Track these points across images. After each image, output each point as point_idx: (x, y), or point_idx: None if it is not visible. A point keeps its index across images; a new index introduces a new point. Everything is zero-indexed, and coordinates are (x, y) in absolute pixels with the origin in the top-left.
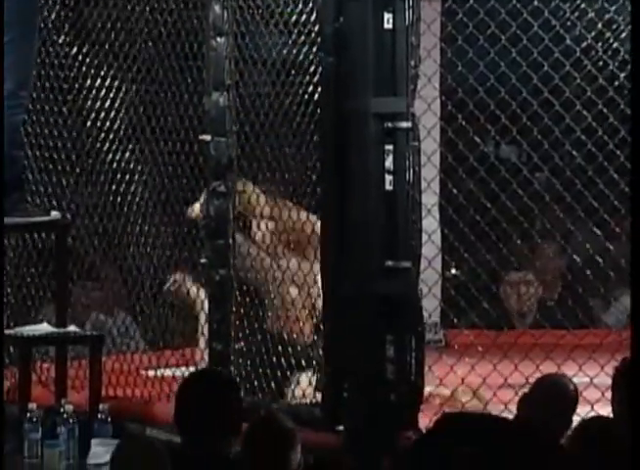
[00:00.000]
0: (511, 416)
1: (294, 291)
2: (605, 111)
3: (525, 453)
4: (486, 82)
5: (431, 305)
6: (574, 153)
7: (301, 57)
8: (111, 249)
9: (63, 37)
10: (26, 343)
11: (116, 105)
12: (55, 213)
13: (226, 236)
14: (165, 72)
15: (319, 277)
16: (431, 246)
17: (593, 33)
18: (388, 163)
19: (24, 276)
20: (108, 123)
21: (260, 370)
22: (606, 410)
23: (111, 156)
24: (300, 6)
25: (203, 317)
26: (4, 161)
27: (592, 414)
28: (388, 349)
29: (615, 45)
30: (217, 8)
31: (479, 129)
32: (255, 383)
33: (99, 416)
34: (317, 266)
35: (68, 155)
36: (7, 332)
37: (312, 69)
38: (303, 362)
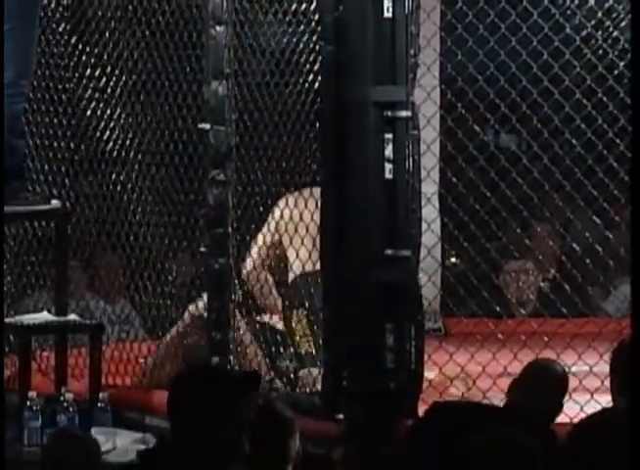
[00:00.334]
0: None
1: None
2: (604, 99)
3: (513, 437)
4: (486, 71)
5: (430, 294)
6: (574, 141)
7: (301, 46)
8: (110, 237)
9: (63, 26)
10: (26, 331)
11: (116, 94)
12: (55, 202)
13: (225, 225)
14: (164, 61)
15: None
16: (430, 234)
17: (593, 22)
18: (388, 151)
19: (25, 265)
20: (108, 112)
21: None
22: (605, 398)
23: (111, 144)
24: None
25: None
26: (5, 149)
27: (592, 403)
28: (387, 337)
29: (614, 34)
30: None
31: (478, 118)
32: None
33: (99, 405)
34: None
35: (68, 143)
36: (7, 320)
37: (312, 57)
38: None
